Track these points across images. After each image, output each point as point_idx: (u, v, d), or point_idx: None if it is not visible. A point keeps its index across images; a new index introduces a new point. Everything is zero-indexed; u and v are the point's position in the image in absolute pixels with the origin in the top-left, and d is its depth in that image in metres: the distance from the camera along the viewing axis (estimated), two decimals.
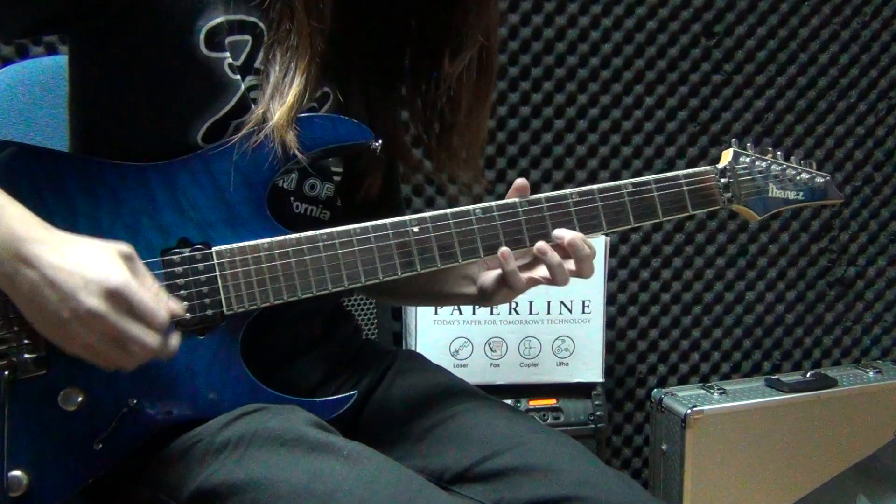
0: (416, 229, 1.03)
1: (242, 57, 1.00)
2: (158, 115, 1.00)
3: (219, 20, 0.98)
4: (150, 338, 0.87)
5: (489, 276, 1.16)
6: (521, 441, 1.04)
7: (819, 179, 1.24)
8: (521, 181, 1.08)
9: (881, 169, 2.50)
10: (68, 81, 1.07)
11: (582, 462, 1.02)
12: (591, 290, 2.00)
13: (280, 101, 0.99)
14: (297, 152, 0.99)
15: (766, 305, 2.48)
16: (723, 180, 1.18)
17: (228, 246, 0.98)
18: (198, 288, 0.96)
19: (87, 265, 0.84)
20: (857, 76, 2.43)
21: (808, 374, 2.25)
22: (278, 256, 0.99)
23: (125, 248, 0.88)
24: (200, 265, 0.96)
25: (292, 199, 1.09)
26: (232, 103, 0.99)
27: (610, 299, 2.29)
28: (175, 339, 0.92)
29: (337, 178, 1.14)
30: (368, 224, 1.02)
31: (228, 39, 0.99)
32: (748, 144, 1.22)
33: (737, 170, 1.19)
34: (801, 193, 1.24)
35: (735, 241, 2.43)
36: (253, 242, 0.98)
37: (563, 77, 2.26)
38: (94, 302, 0.83)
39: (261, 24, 1.01)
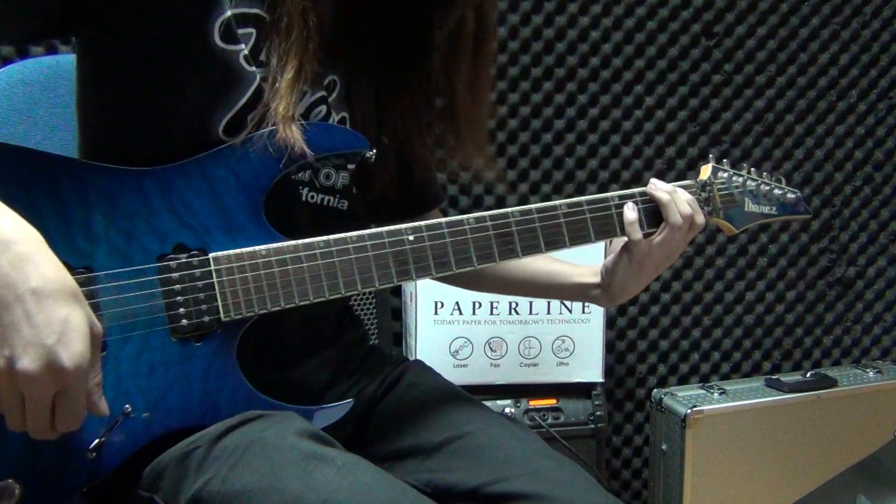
0: (411, 237, 1.04)
1: (248, 50, 1.00)
2: (175, 111, 0.99)
3: (227, 14, 0.98)
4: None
5: (609, 257, 1.19)
6: (533, 468, 1.03)
7: (790, 195, 1.29)
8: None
9: (881, 169, 2.50)
10: (76, 82, 1.06)
11: (594, 496, 1.01)
12: None
13: (276, 92, 0.99)
14: (303, 147, 0.99)
15: (766, 305, 2.48)
16: (703, 194, 1.21)
17: (226, 252, 0.97)
18: (195, 294, 0.96)
19: (55, 324, 0.78)
20: (857, 76, 2.43)
21: (808, 374, 2.25)
22: (276, 263, 0.98)
23: (99, 327, 0.83)
24: (197, 271, 0.96)
25: (307, 189, 1.08)
26: (248, 95, 1.00)
27: None
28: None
29: (351, 167, 1.13)
30: (364, 232, 1.02)
31: (240, 32, 0.99)
32: (724, 161, 1.26)
33: (715, 184, 1.23)
34: (774, 208, 1.29)
35: (735, 241, 2.43)
36: (250, 249, 0.98)
37: (563, 77, 2.25)
38: (34, 367, 0.77)
39: (263, 14, 1.01)
